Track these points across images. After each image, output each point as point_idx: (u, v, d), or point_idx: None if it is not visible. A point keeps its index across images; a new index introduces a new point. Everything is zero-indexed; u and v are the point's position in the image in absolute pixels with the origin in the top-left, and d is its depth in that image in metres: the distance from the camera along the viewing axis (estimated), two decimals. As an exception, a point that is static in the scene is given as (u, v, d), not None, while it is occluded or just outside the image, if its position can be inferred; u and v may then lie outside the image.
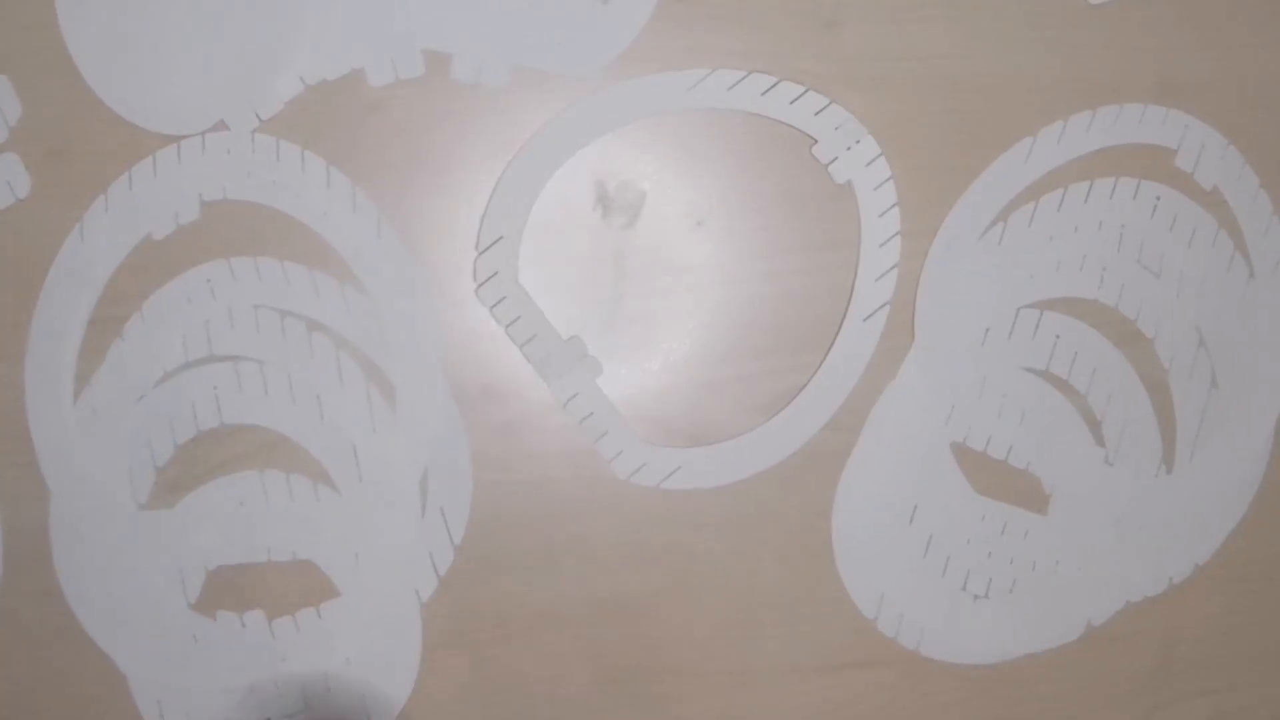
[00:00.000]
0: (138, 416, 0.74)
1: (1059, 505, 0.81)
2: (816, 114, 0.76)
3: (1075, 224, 0.79)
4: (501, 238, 0.75)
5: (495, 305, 0.75)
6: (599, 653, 0.77)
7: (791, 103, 0.76)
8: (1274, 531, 0.83)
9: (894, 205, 0.77)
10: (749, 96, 0.76)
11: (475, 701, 0.77)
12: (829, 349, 0.77)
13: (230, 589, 0.75)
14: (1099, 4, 0.78)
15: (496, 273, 0.75)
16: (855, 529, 0.78)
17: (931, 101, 0.78)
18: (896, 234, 0.77)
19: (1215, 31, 0.80)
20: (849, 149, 0.77)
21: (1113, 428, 0.81)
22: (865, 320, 0.77)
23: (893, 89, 0.77)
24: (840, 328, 0.78)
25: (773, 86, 0.76)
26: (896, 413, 0.79)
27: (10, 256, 0.72)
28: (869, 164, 0.77)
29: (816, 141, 0.77)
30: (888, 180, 0.77)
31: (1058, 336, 0.80)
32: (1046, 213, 0.79)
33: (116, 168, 0.72)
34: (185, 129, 0.73)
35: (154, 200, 0.73)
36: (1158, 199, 0.80)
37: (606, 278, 0.76)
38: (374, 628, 0.75)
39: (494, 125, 0.75)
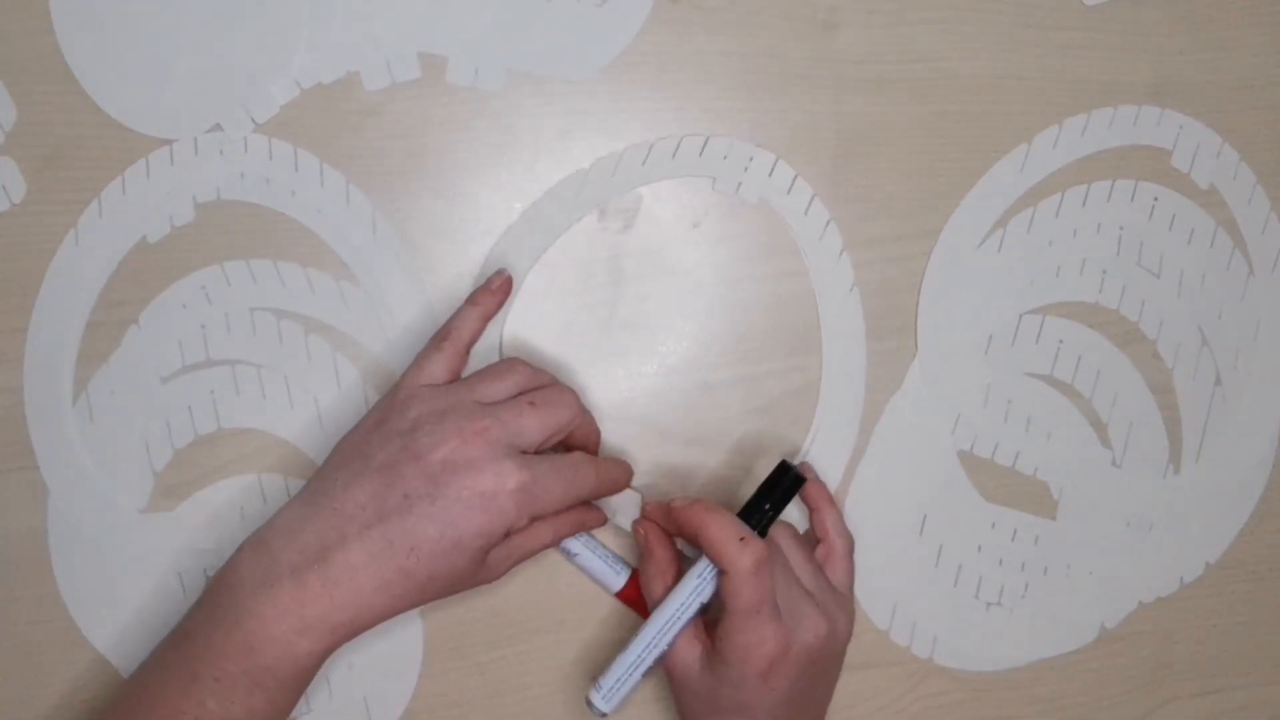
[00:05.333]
0: (136, 421, 0.73)
1: (1068, 509, 0.80)
2: (700, 155, 0.77)
3: (1074, 228, 0.79)
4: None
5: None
6: (598, 658, 0.76)
7: (699, 155, 0.77)
8: (1275, 530, 0.83)
9: (813, 197, 0.77)
10: (665, 163, 0.77)
11: (475, 705, 0.76)
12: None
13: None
14: (1094, 5, 0.79)
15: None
16: (865, 540, 0.77)
17: (928, 103, 0.78)
18: (830, 220, 0.78)
19: (1210, 32, 0.80)
20: (745, 169, 0.77)
21: (1119, 430, 0.80)
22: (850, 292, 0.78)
23: (889, 90, 0.78)
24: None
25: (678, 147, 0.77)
26: (903, 423, 0.79)
27: (6, 261, 0.72)
28: (770, 174, 0.77)
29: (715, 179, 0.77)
30: (795, 179, 0.77)
31: (1060, 341, 0.79)
32: (1045, 218, 0.79)
33: (112, 172, 0.72)
34: (181, 133, 0.73)
35: (148, 203, 0.73)
36: (1155, 199, 0.80)
37: (603, 280, 0.76)
38: (376, 633, 0.73)
39: (490, 128, 0.75)
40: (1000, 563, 0.80)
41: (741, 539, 0.65)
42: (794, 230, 0.77)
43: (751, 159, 0.77)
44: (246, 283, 0.74)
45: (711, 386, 0.77)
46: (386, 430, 0.66)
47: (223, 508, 0.74)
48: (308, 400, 0.74)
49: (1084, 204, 0.79)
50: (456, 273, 0.75)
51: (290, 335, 0.74)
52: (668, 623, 0.68)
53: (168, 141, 0.73)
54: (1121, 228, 0.80)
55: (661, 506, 0.71)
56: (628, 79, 0.76)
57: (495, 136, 0.75)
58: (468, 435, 0.64)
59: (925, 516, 0.79)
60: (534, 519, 0.66)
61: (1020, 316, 0.79)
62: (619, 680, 0.69)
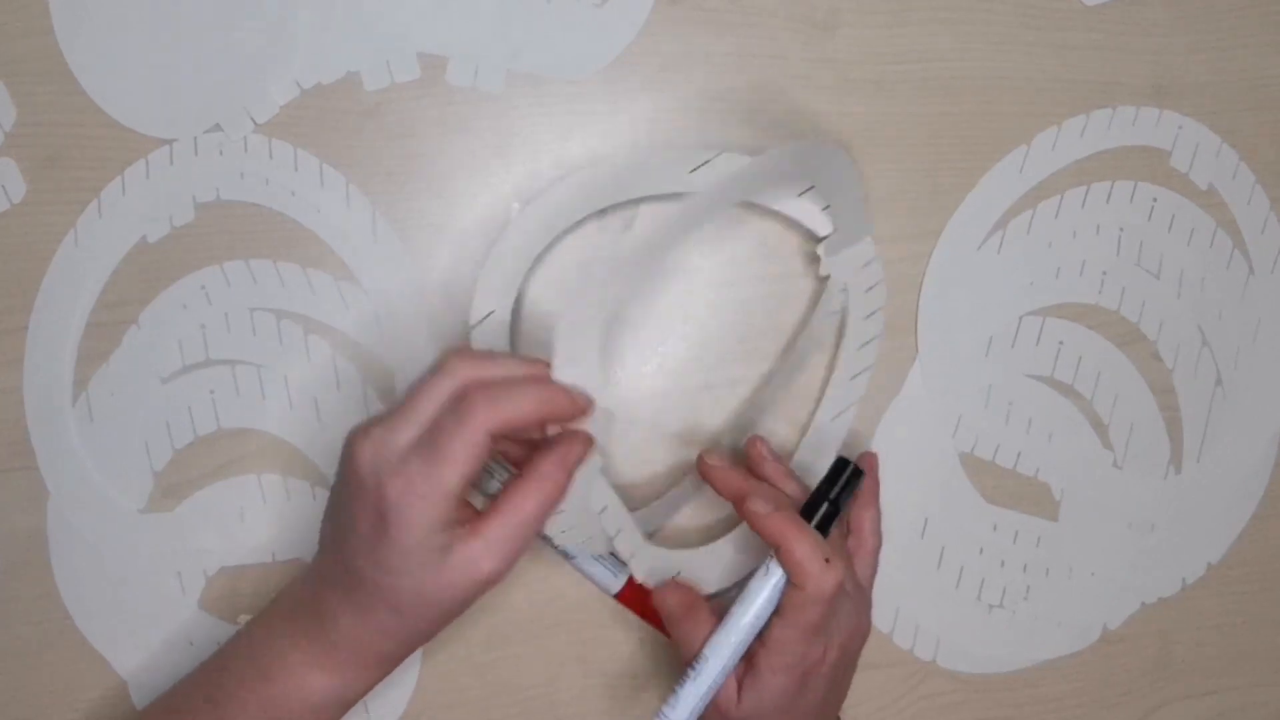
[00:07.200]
0: (136, 421, 0.73)
1: (1070, 510, 0.80)
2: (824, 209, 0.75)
3: (1073, 229, 0.79)
4: (492, 312, 0.72)
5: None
6: (597, 658, 0.77)
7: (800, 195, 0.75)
8: (1276, 531, 0.83)
9: (879, 309, 0.76)
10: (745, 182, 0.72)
11: (473, 706, 0.76)
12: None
13: (229, 592, 0.74)
14: (1094, 5, 0.79)
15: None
16: (865, 541, 0.77)
17: (928, 104, 0.78)
18: (877, 337, 0.76)
19: (1210, 32, 0.80)
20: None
21: (1120, 431, 0.80)
22: (833, 420, 0.76)
23: (888, 91, 0.78)
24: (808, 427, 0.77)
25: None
26: (904, 426, 0.79)
27: (7, 261, 0.72)
28: (865, 265, 0.75)
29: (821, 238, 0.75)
30: (879, 283, 0.76)
31: (1061, 342, 0.79)
32: (1044, 219, 0.79)
33: (111, 172, 0.73)
34: (181, 133, 0.73)
35: (147, 203, 0.73)
36: (1154, 200, 0.80)
37: (603, 281, 0.75)
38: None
39: (489, 128, 0.75)
40: (1002, 564, 0.80)
41: (826, 560, 0.64)
42: (850, 304, 0.76)
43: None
44: (246, 283, 0.74)
45: (711, 386, 0.77)
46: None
47: (223, 508, 0.74)
48: (308, 400, 0.74)
49: (1083, 205, 0.79)
50: (456, 273, 0.75)
51: (290, 335, 0.74)
52: (745, 638, 0.65)
53: (168, 141, 0.73)
54: (1121, 229, 0.80)
55: (723, 470, 0.70)
56: (628, 79, 0.76)
57: (495, 137, 0.75)
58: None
59: (927, 519, 0.79)
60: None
61: (1020, 318, 0.79)
62: (694, 711, 0.65)
